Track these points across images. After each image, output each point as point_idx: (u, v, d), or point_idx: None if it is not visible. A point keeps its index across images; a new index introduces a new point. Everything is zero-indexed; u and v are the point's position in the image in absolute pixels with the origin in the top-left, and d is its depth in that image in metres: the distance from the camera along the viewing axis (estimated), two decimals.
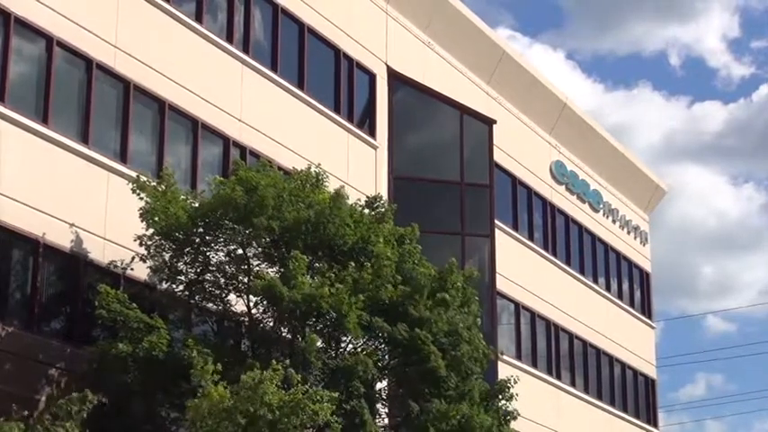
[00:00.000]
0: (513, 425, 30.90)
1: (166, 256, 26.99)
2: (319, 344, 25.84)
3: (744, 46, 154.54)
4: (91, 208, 27.78)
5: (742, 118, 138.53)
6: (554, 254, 48.58)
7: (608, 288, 53.09)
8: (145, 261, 27.20)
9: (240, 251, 26.99)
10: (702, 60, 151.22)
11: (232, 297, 27.28)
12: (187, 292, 27.15)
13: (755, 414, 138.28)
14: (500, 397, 30.33)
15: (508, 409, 30.46)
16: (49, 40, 27.59)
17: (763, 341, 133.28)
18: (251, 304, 26.86)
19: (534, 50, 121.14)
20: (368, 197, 30.59)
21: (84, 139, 28.14)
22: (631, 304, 55.25)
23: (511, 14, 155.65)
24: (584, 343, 49.87)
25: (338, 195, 27.89)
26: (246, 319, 26.98)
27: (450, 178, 40.55)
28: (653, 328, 57.79)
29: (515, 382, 31.40)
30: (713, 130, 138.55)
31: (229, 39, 33.06)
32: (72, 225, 27.19)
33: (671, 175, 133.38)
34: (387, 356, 27.62)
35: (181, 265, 27.06)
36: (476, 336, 28.95)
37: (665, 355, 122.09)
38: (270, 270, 26.74)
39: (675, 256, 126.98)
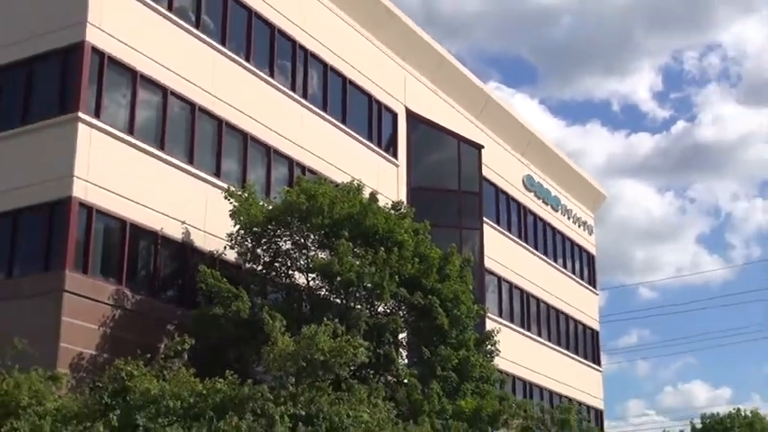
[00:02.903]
0: (495, 362, 31.15)
1: (248, 245, 27.02)
2: (359, 307, 25.79)
3: (665, 96, 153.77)
4: (195, 210, 27.73)
5: (663, 146, 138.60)
6: (526, 241, 48.41)
7: (564, 266, 52.89)
8: (233, 248, 27.18)
9: (301, 241, 26.99)
10: (636, 105, 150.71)
11: (295, 274, 27.23)
12: (263, 271, 27.11)
13: (672, 357, 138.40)
14: (487, 343, 30.70)
15: (492, 351, 30.52)
16: (165, 90, 27.60)
17: (679, 304, 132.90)
18: (309, 279, 26.87)
19: (516, 98, 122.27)
20: (393, 202, 30.84)
21: (190, 161, 28.13)
22: (582, 277, 55.01)
23: (498, 72, 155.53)
24: (547, 305, 49.71)
25: (372, 200, 28.16)
26: (305, 290, 26.90)
27: (451, 187, 40.43)
28: (597, 294, 57.52)
29: (497, 333, 31.76)
30: (643, 154, 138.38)
31: (293, 88, 32.91)
32: (182, 222, 27.25)
33: (613, 186, 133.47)
34: (406, 315, 27.52)
35: (258, 251, 27.13)
36: (470, 300, 29.13)
37: (607, 314, 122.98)
38: (322, 254, 26.72)
39: (615, 243, 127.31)
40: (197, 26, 29.14)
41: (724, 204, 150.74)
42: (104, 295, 24.72)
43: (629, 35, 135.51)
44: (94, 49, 25.49)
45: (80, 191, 24.49)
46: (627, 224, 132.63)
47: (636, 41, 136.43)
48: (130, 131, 26.28)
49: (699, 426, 60.51)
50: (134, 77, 26.63)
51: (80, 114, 24.79)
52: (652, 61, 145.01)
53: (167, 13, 28.06)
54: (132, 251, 26.02)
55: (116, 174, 25.55)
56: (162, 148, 27.14)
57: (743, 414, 59.72)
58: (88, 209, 24.73)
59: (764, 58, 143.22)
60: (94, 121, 25.15)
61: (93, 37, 25.47)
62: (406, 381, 26.11)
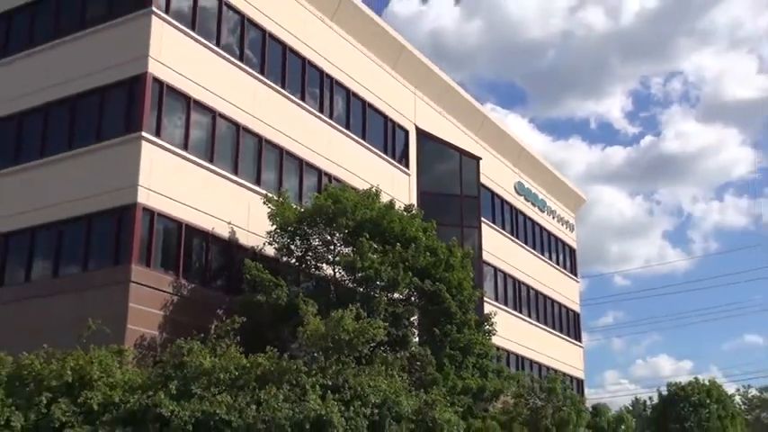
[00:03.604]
0: (492, 340, 30.95)
1: (284, 242, 26.98)
2: (377, 294, 25.76)
3: (634, 115, 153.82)
4: (239, 213, 27.72)
5: (633, 157, 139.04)
6: (517, 237, 48.27)
7: (550, 258, 52.73)
8: (271, 245, 27.13)
9: (328, 238, 26.94)
10: (610, 123, 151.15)
11: (324, 266, 27.18)
12: (296, 264, 27.07)
13: (642, 335, 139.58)
14: (485, 324, 30.39)
15: (490, 331, 30.38)
16: (213, 113, 27.65)
17: (648, 290, 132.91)
18: (335, 271, 26.82)
19: (509, 117, 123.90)
20: (405, 205, 30.66)
21: (235, 171, 28.13)
22: (565, 268, 54.84)
23: (494, 96, 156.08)
24: (536, 291, 49.59)
25: (390, 205, 28.08)
26: (332, 280, 26.87)
27: (454, 193, 40.31)
28: (578, 282, 57.30)
29: (494, 315, 31.59)
30: (616, 164, 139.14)
31: (321, 110, 32.91)
32: (228, 223, 27.24)
33: (591, 191, 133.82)
34: (418, 300, 27.44)
35: (292, 247, 27.06)
36: (471, 287, 28.99)
37: (586, 298, 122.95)
38: (346, 250, 26.64)
39: (593, 239, 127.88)
40: (241, 59, 29.20)
41: (685, 206, 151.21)
42: (164, 285, 24.78)
43: (603, 64, 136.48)
44: (155, 79, 25.59)
45: (144, 197, 24.58)
46: (603, 223, 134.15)
47: (610, 70, 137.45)
48: (185, 147, 26.35)
49: (665, 393, 60.34)
50: (188, 102, 26.71)
51: (143, 134, 24.87)
52: (623, 86, 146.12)
53: (216, 48, 28.17)
54: (187, 248, 26.08)
55: (173, 183, 25.63)
56: (211, 161, 27.21)
57: (702, 383, 59.57)
58: (150, 212, 24.82)
59: (719, 83, 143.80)
60: (155, 139, 25.24)
61: (154, 69, 25.59)
62: (417, 356, 26.02)
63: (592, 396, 65.45)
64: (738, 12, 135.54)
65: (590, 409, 44.63)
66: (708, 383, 59.65)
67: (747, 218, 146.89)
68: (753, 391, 79.53)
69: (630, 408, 69.85)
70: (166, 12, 26.44)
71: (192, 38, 27.23)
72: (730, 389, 74.47)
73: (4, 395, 18.69)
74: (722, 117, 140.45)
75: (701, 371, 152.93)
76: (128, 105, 25.56)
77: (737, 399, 73.68)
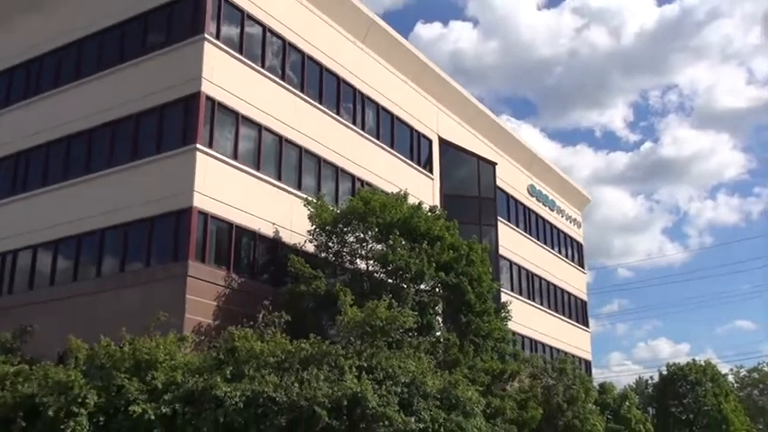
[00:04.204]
0: (508, 325, 30.80)
1: (322, 239, 26.90)
2: (406, 285, 25.64)
3: (635, 124, 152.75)
4: (283, 214, 27.75)
5: (635, 161, 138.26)
6: (530, 234, 47.91)
7: (560, 252, 52.25)
8: (311, 242, 27.10)
9: (361, 236, 26.81)
10: (613, 132, 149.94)
11: (358, 261, 27.04)
12: (333, 258, 26.97)
13: (643, 320, 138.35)
14: (502, 312, 30.26)
15: (506, 318, 30.19)
16: (259, 126, 27.70)
17: (648, 280, 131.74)
18: (368, 265, 26.70)
19: (522, 127, 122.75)
20: (429, 206, 30.38)
21: (279, 178, 28.15)
22: (573, 261, 54.34)
23: (509, 108, 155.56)
24: (547, 282, 49.19)
25: (419, 206, 27.95)
26: (366, 273, 26.74)
27: (473, 195, 40.03)
28: (585, 273, 56.74)
29: (510, 304, 31.61)
30: (619, 167, 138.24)
31: (354, 123, 32.86)
32: (273, 224, 27.28)
33: (596, 192, 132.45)
34: (442, 291, 27.27)
35: (330, 244, 26.95)
36: (489, 279, 28.80)
37: (593, 288, 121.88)
38: (378, 246, 26.52)
39: (599, 235, 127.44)
40: (283, 78, 29.22)
41: (682, 204, 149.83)
42: (217, 278, 24.84)
43: (606, 79, 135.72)
44: (208, 97, 25.69)
45: (199, 202, 24.68)
46: (607, 220, 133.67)
47: (612, 84, 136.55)
48: (235, 157, 26.41)
49: (665, 373, 59.77)
50: (237, 117, 26.77)
51: (198, 146, 24.98)
52: (625, 98, 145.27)
53: (261, 69, 28.21)
54: (237, 245, 26.11)
55: (224, 188, 25.70)
56: (258, 168, 27.24)
57: (698, 364, 58.96)
58: (205, 215, 24.92)
59: (711, 94, 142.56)
60: (208, 150, 25.34)
61: (207, 88, 25.70)
62: (441, 341, 25.82)
63: (598, 376, 64.72)
64: (729, 30, 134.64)
65: (597, 388, 44.26)
66: (703, 364, 59.04)
67: (738, 215, 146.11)
68: (744, 371, 78.83)
69: (634, 386, 69.11)
70: (217, 38, 26.54)
71: (239, 60, 27.30)
72: (724, 369, 73.61)
73: (81, 376, 18.86)
74: (714, 124, 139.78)
75: (698, 353, 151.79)
76: (184, 121, 25.68)
77: (730, 378, 72.98)
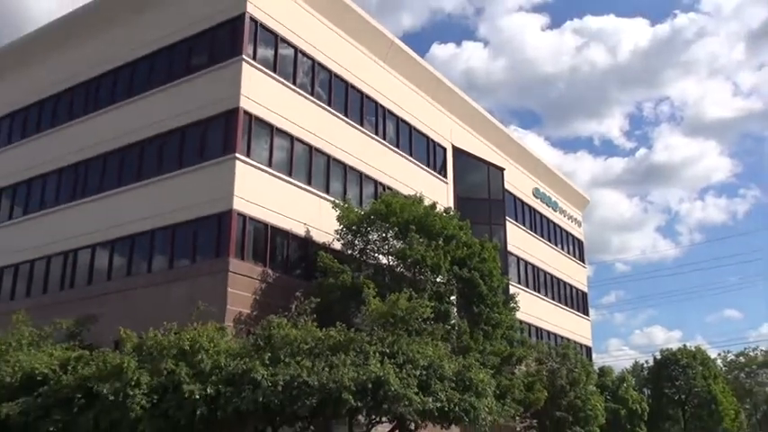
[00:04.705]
0: (516, 315, 30.62)
1: (348, 238, 26.84)
2: (424, 278, 25.61)
3: (630, 133, 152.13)
4: (313, 215, 27.77)
5: (630, 166, 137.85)
6: (536, 232, 47.71)
7: (562, 248, 51.95)
8: (338, 240, 27.08)
9: (383, 234, 26.77)
10: (611, 140, 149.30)
11: (380, 256, 26.99)
12: (358, 255, 26.90)
13: (639, 310, 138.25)
14: (510, 302, 30.03)
15: (514, 308, 30.05)
16: (291, 137, 27.75)
17: (643, 273, 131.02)
18: (389, 260, 26.64)
19: (528, 136, 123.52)
20: (444, 207, 30.29)
21: (309, 183, 28.18)
22: (574, 256, 54.02)
23: (516, 119, 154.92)
24: (551, 275, 48.89)
25: (432, 207, 27.83)
26: (387, 267, 26.69)
27: (483, 197, 39.91)
28: (585, 267, 56.37)
29: (517, 295, 31.38)
30: (616, 172, 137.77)
31: (376, 133, 32.89)
32: (304, 224, 27.31)
33: (595, 194, 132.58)
34: (456, 284, 27.17)
35: (355, 242, 26.88)
36: (499, 273, 28.66)
37: (593, 281, 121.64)
38: (398, 243, 26.42)
39: (598, 233, 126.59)
40: (312, 94, 29.28)
41: (673, 205, 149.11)
42: (255, 273, 24.94)
43: (604, 92, 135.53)
44: (245, 112, 25.81)
45: (238, 205, 24.81)
46: (605, 220, 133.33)
47: (609, 97, 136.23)
48: (270, 165, 26.47)
49: (659, 357, 59.33)
50: (271, 129, 26.86)
51: (237, 155, 25.12)
52: (621, 109, 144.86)
53: (293, 86, 28.28)
54: (272, 244, 26.14)
55: (261, 193, 25.80)
56: (290, 175, 27.30)
57: (689, 349, 58.47)
58: (243, 217, 25.03)
59: (700, 105, 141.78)
60: (246, 159, 25.47)
61: (245, 104, 25.83)
62: (456, 329, 25.79)
63: (598, 360, 64.37)
64: (715, 47, 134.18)
65: (597, 371, 44.07)
66: (694, 350, 58.54)
67: (725, 214, 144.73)
68: (731, 356, 78.04)
69: (630, 369, 68.63)
70: (254, 59, 26.70)
71: (274, 79, 27.42)
72: (713, 354, 73.25)
73: (135, 361, 19.09)
74: (703, 132, 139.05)
75: (689, 339, 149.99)
76: (225, 133, 25.81)
77: (719, 362, 72.31)
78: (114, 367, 18.82)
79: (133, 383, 18.36)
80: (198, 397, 17.92)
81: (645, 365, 65.83)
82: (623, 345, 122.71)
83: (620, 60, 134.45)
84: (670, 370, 57.55)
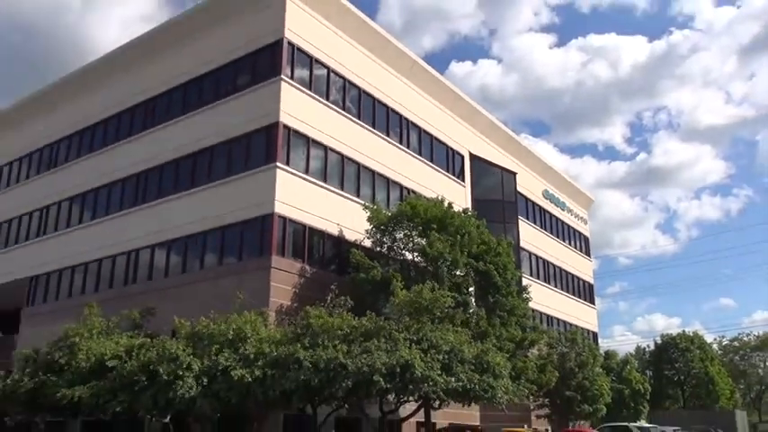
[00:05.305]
0: (529, 304, 30.08)
1: (377, 236, 26.70)
2: (444, 271, 25.32)
3: (631, 139, 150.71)
4: (345, 217, 27.66)
5: (632, 169, 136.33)
6: (545, 230, 47.12)
7: (570, 244, 51.31)
8: (368, 239, 26.96)
9: (408, 233, 26.55)
10: (613, 146, 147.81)
11: (405, 252, 26.78)
12: (386, 251, 26.75)
13: (641, 299, 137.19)
14: (523, 293, 29.56)
15: (527, 298, 29.63)
16: (326, 148, 27.67)
17: (644, 266, 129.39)
18: (414, 256, 26.43)
19: (538, 144, 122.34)
20: (462, 208, 30.06)
21: (341, 188, 28.09)
22: (581, 251, 53.29)
23: (527, 128, 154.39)
24: (560, 268, 48.29)
25: (449, 207, 27.53)
26: (412, 262, 26.46)
27: (497, 199, 39.51)
28: (591, 261, 55.63)
29: (530, 286, 30.79)
30: (619, 174, 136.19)
31: (400, 142, 32.67)
32: (338, 224, 27.21)
33: (600, 194, 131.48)
34: (474, 277, 26.84)
35: (383, 240, 26.73)
36: (513, 268, 28.30)
37: (598, 273, 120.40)
38: (422, 241, 26.19)
39: (602, 230, 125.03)
40: (343, 109, 29.21)
41: (672, 204, 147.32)
42: (294, 269, 24.94)
43: (607, 103, 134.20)
44: (284, 126, 25.83)
45: (279, 208, 24.81)
46: (609, 218, 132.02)
47: (612, 107, 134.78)
48: (306, 172, 26.44)
49: (659, 341, 58.32)
50: (307, 141, 26.81)
51: (278, 164, 25.13)
52: (622, 118, 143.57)
53: (327, 102, 28.23)
54: (310, 243, 26.10)
55: (299, 197, 25.78)
56: (325, 181, 27.23)
57: (687, 334, 57.43)
58: (284, 219, 25.03)
59: (695, 113, 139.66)
60: (286, 167, 25.46)
61: (284, 118, 25.85)
62: (475, 317, 25.47)
63: (604, 345, 63.59)
64: (708, 61, 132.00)
65: (603, 355, 43.36)
66: (692, 335, 57.45)
67: (720, 212, 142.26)
68: (726, 341, 76.61)
69: (633, 353, 67.54)
70: (291, 78, 26.69)
71: (309, 96, 27.40)
72: (709, 339, 71.72)
73: (186, 347, 19.10)
74: (698, 138, 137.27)
75: (687, 325, 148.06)
76: (266, 144, 25.84)
77: (715, 346, 70.92)
78: (169, 353, 18.86)
79: (185, 366, 18.38)
80: (250, 379, 17.87)
81: (647, 349, 64.79)
82: (626, 330, 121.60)
83: (621, 74, 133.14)
84: (670, 353, 56.58)
